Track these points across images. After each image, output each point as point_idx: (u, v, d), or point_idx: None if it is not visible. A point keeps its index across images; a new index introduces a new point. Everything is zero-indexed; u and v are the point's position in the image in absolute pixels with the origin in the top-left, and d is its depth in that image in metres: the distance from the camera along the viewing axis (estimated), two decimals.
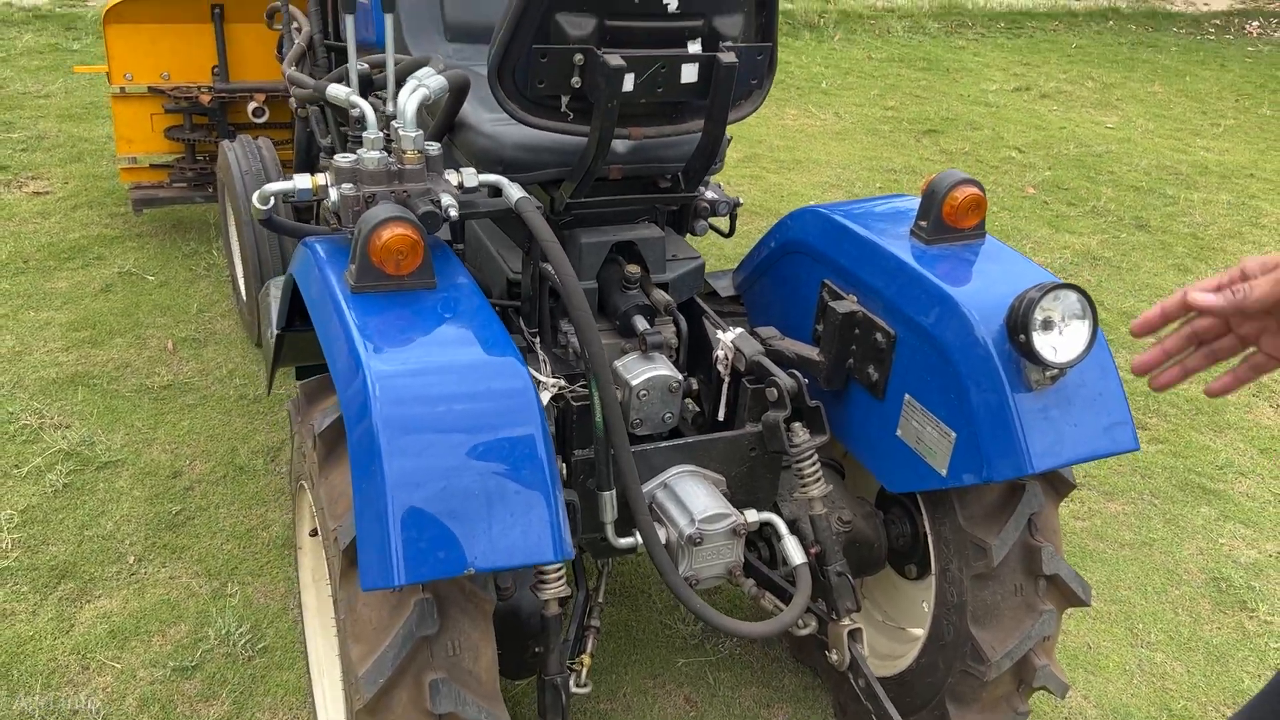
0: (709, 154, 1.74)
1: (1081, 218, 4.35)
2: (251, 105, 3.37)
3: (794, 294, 1.87)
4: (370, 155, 1.48)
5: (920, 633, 1.80)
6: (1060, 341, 1.43)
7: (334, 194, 1.49)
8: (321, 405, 1.51)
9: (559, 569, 1.54)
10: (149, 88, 3.33)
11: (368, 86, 1.82)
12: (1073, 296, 1.42)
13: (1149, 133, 5.55)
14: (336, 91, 1.65)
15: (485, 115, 1.76)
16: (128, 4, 3.22)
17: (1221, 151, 5.33)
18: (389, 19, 1.72)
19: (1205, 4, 8.51)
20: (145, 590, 2.17)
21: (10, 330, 2.97)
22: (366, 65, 1.86)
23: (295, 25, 2.83)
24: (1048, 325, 1.43)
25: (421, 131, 1.51)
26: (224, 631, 2.07)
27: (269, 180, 2.79)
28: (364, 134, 1.49)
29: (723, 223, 2.09)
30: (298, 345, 1.89)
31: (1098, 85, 6.29)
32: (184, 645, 2.04)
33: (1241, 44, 7.60)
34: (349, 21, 1.71)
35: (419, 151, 1.50)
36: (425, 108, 1.56)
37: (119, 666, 1.99)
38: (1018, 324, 1.42)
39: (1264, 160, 5.24)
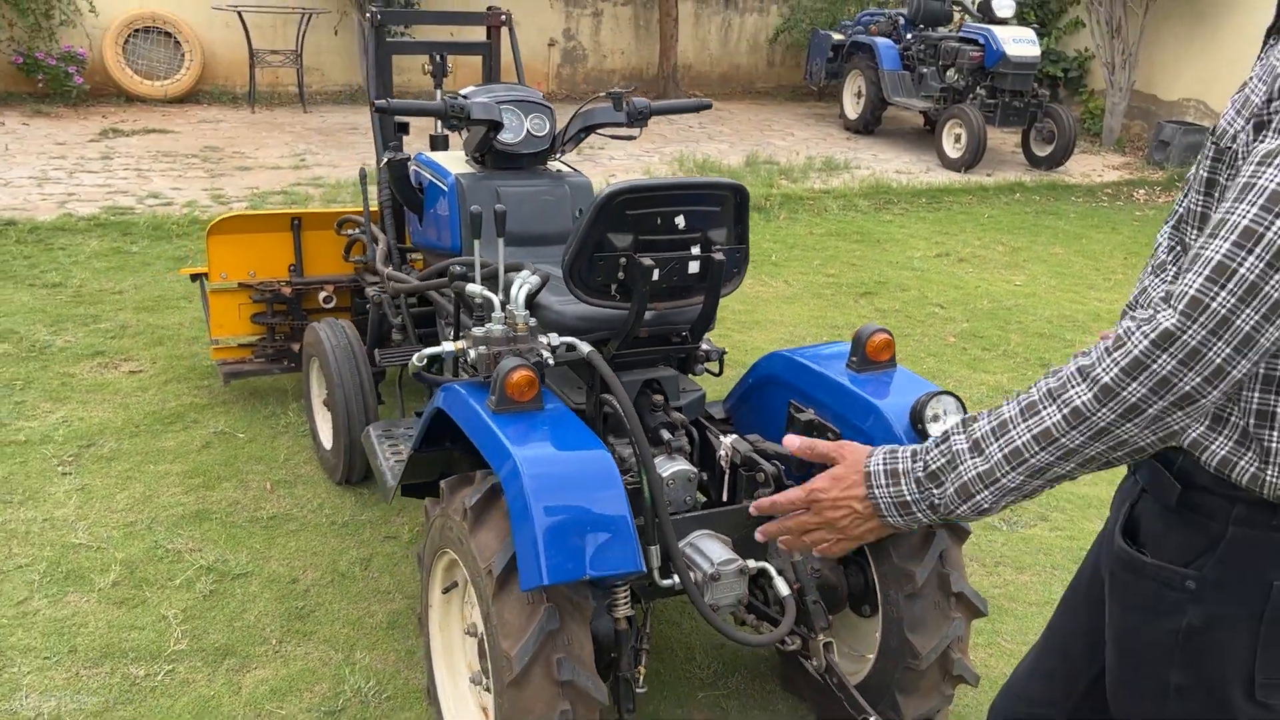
0: (707, 319, 2.58)
1: (994, 359, 5.25)
2: (322, 294, 4.20)
3: (769, 412, 2.67)
4: (496, 327, 2.29)
5: (873, 656, 2.53)
6: (937, 428, 2.23)
7: (473, 353, 2.28)
8: (464, 491, 2.26)
9: (625, 595, 2.27)
10: (239, 284, 4.15)
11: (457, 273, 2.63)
12: (950, 399, 2.23)
13: (1051, 288, 6.53)
14: (473, 289, 2.45)
15: (554, 298, 2.58)
16: (227, 220, 4.07)
17: (1112, 302, 6.32)
18: (500, 242, 2.51)
19: (1099, 175, 9.74)
20: (290, 662, 2.85)
21: (139, 479, 3.68)
22: (461, 267, 2.68)
23: (361, 231, 3.69)
24: (935, 418, 2.23)
25: (528, 310, 2.33)
26: (356, 686, 2.75)
27: (354, 352, 3.59)
28: (491, 314, 2.30)
29: (714, 365, 2.91)
30: (419, 464, 2.66)
31: (1007, 249, 7.32)
32: (328, 697, 2.72)
33: (1130, 209, 8.76)
34: (500, 246, 2.49)
35: (526, 323, 2.31)
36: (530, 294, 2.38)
37: (283, 713, 2.66)
38: (917, 417, 2.22)
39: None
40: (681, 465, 2.47)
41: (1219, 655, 1.38)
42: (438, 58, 3.89)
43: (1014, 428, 1.30)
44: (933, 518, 1.39)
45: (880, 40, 10.63)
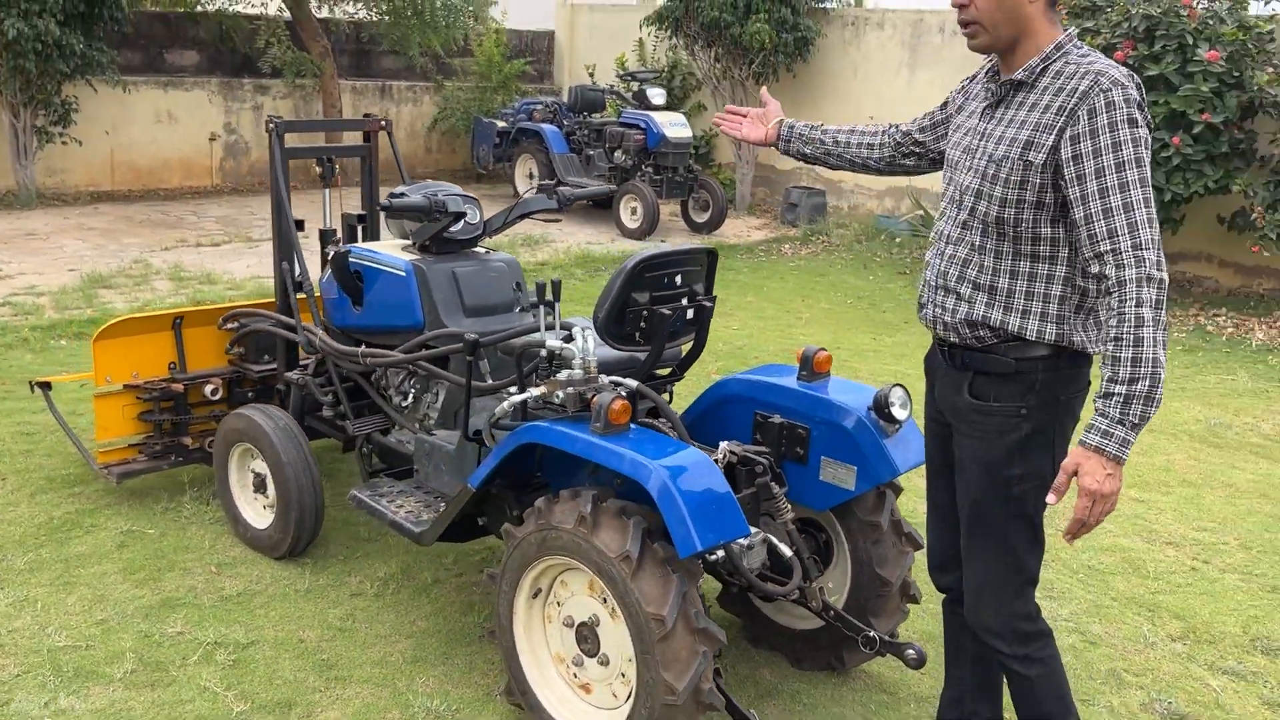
0: (696, 355, 3.29)
1: None
2: (209, 388, 4.38)
3: (731, 424, 3.38)
4: (576, 372, 2.86)
5: (843, 595, 3.32)
6: (900, 410, 3.09)
7: (561, 394, 2.84)
8: (569, 507, 2.79)
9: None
10: (124, 385, 4.24)
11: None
12: (900, 389, 3.10)
13: (761, 330, 7.75)
14: (555, 343, 2.96)
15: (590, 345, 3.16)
16: (113, 326, 4.18)
17: (812, 336, 7.63)
18: (557, 309, 3.06)
19: (749, 235, 11.35)
20: (349, 701, 3.16)
21: (78, 584, 3.72)
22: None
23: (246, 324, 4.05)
24: (896, 403, 3.09)
25: (596, 356, 2.92)
26: (425, 706, 3.13)
27: (294, 431, 3.88)
28: (574, 360, 2.87)
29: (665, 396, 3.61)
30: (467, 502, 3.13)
31: None
32: (406, 718, 3.09)
33: (784, 261, 10.35)
34: (558, 310, 3.03)
35: (595, 367, 2.91)
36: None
37: None
38: (884, 402, 3.07)
39: (841, 339, 7.60)
40: None
41: (1040, 449, 2.42)
42: (326, 160, 4.29)
43: (1136, 347, 2.15)
44: (1138, 434, 2.21)
45: (546, 127, 11.70)
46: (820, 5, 12.09)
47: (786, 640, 3.49)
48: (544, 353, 3.00)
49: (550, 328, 3.00)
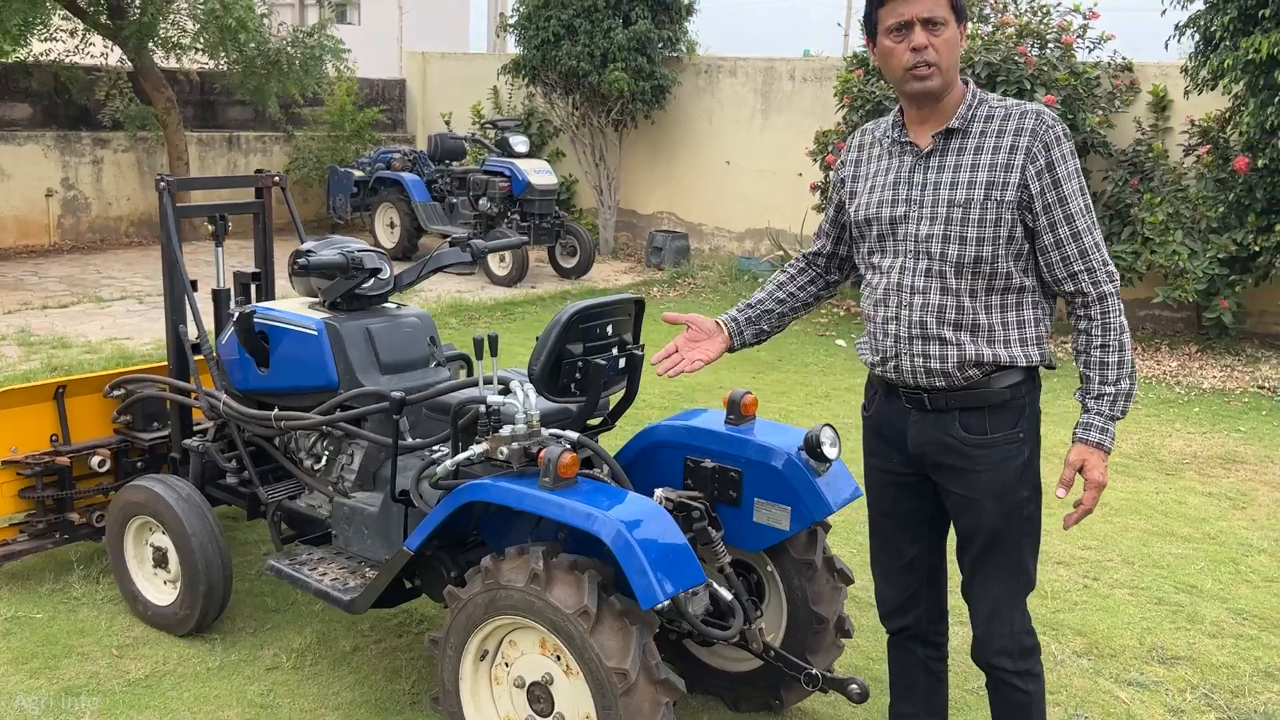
0: (628, 403, 3.30)
1: None
2: (95, 459, 4.14)
3: (661, 469, 3.40)
4: (520, 427, 2.83)
5: (779, 634, 3.37)
6: (830, 449, 3.17)
7: (505, 450, 2.80)
8: (518, 564, 2.75)
9: None
10: (2, 462, 3.97)
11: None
12: (829, 429, 3.18)
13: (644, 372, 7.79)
14: (496, 400, 2.91)
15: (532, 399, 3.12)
16: None
17: (693, 378, 7.73)
18: (495, 361, 3.02)
19: (618, 279, 11.44)
20: None
21: None
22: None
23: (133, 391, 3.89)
24: (826, 442, 3.16)
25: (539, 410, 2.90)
26: None
27: (198, 502, 3.71)
28: (516, 415, 2.84)
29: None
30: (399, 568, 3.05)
31: None
32: None
33: (654, 304, 10.46)
34: (495, 365, 3.00)
35: (538, 420, 2.88)
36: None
37: None
38: (815, 442, 3.13)
39: (721, 378, 7.73)
40: None
41: (1036, 465, 2.64)
42: (219, 218, 4.15)
43: (1121, 351, 2.49)
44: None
45: (407, 175, 11.58)
46: (674, 55, 12.37)
47: (723, 683, 3.51)
48: (483, 409, 2.97)
49: (489, 382, 2.97)
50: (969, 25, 3.03)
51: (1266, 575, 4.67)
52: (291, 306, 3.74)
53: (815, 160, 10.03)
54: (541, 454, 2.76)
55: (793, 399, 7.24)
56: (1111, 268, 2.49)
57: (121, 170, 12.27)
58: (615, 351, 3.21)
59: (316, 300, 3.74)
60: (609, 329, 3.16)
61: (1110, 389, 2.50)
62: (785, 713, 3.47)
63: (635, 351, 3.24)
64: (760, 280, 11.27)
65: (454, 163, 11.95)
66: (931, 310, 2.54)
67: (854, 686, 3.15)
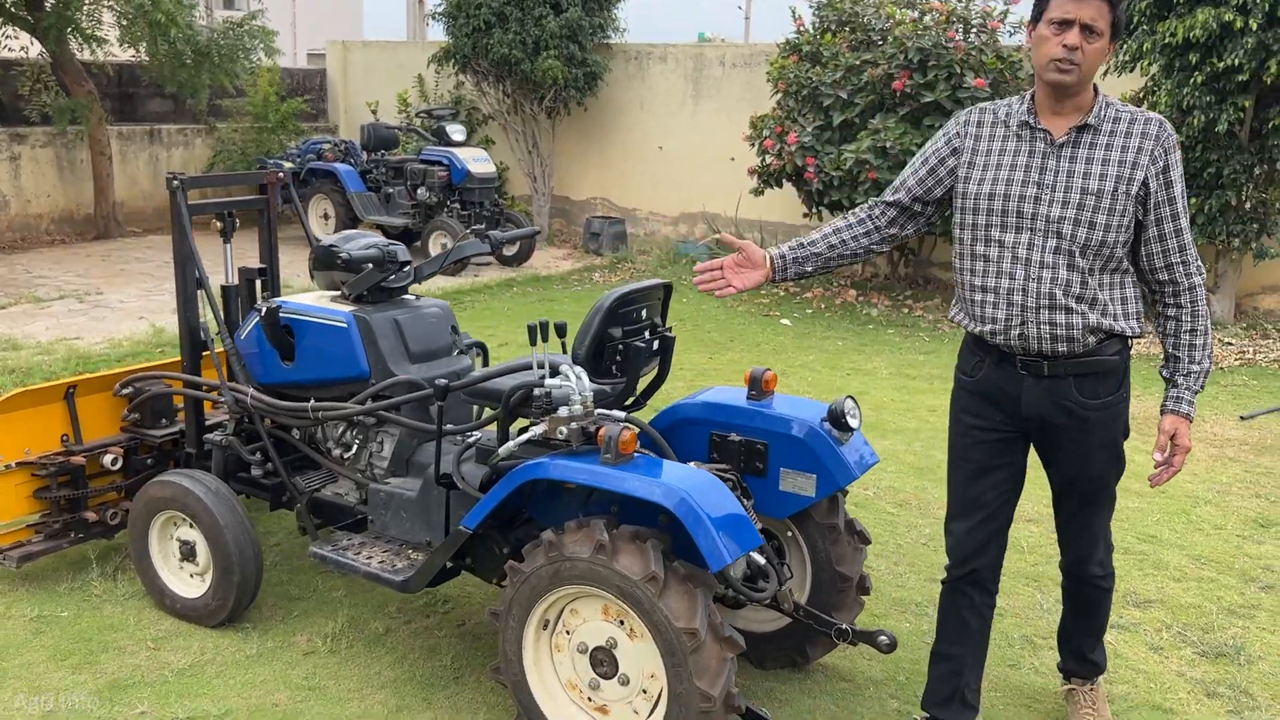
0: (659, 384, 3.48)
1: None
2: (108, 458, 4.16)
3: (691, 445, 3.59)
4: (576, 408, 2.99)
5: (804, 593, 3.59)
6: (853, 420, 3.39)
7: (564, 430, 2.96)
8: (581, 535, 2.91)
9: None
10: (16, 464, 3.98)
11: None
12: (851, 400, 3.40)
13: None
14: (554, 382, 3.04)
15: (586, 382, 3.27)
16: (2, 402, 3.91)
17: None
18: (578, 370, 3.16)
19: (559, 265, 11.56)
20: None
21: (13, 676, 3.46)
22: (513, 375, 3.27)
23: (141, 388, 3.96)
24: (849, 414, 3.38)
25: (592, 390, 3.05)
26: None
27: (227, 494, 3.78)
28: (572, 397, 2.99)
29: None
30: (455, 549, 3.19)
31: None
32: None
33: (599, 289, 10.62)
34: (545, 349, 3.13)
35: (592, 401, 3.04)
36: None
37: None
38: (839, 413, 3.35)
39: (680, 360, 7.93)
40: None
41: (1127, 418, 3.04)
42: (227, 214, 4.19)
43: (1206, 335, 2.93)
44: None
45: (340, 166, 11.50)
46: (605, 41, 12.50)
47: (750, 643, 3.71)
48: (539, 391, 3.11)
49: (542, 366, 3.12)
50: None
51: (1215, 523, 5.07)
52: (315, 300, 3.82)
53: (752, 145, 10.28)
54: (601, 432, 2.92)
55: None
56: (1200, 263, 2.89)
57: (40, 166, 11.93)
58: (649, 334, 3.39)
59: (338, 294, 3.83)
60: (643, 313, 3.34)
61: (1197, 367, 2.92)
62: (808, 670, 3.69)
63: (666, 334, 3.42)
64: (698, 263, 11.50)
65: (387, 152, 11.91)
66: (1060, 284, 2.84)
67: (883, 638, 3.39)
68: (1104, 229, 2.80)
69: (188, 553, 3.87)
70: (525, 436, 3.05)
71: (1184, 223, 2.84)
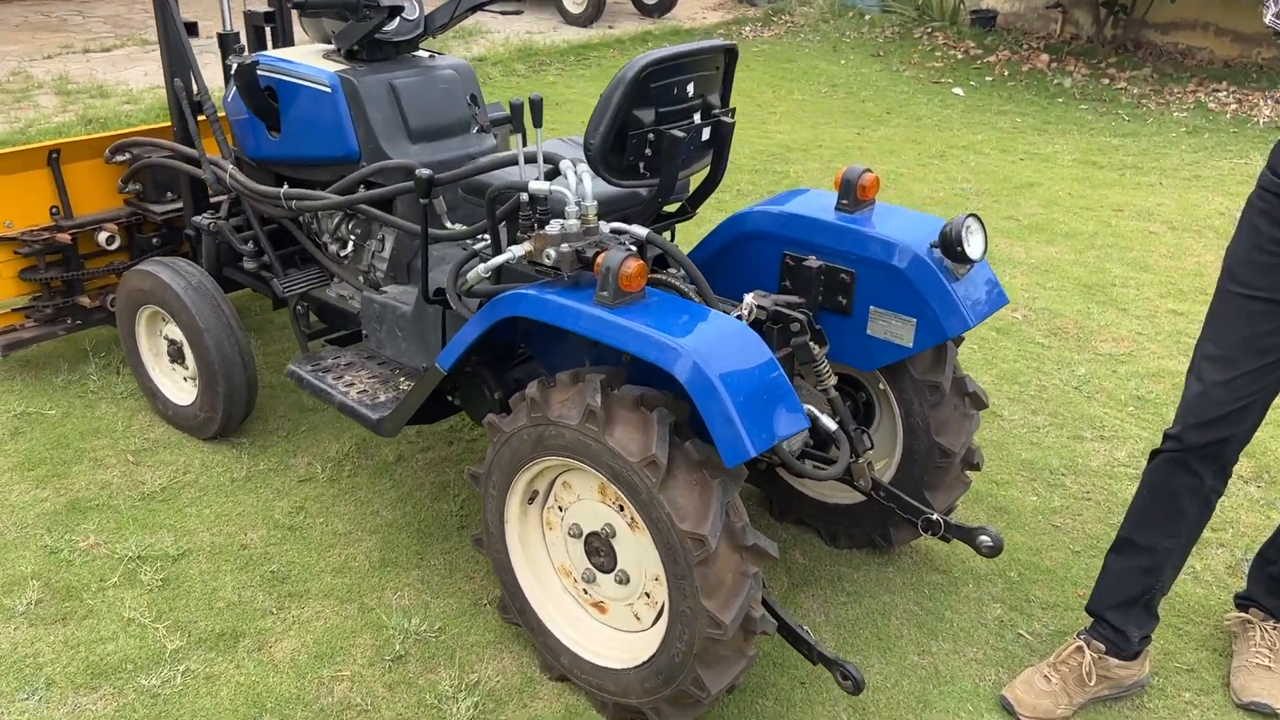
0: (712, 186, 2.61)
1: (733, 200, 5.61)
2: (103, 235, 3.62)
3: (751, 267, 2.76)
4: (572, 222, 2.18)
5: (891, 466, 2.79)
6: (975, 248, 2.47)
7: (553, 253, 2.16)
8: (571, 395, 2.18)
9: None
10: None
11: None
12: (975, 220, 2.47)
13: (803, 125, 6.96)
14: (540, 186, 2.27)
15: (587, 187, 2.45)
16: None
17: (789, 133, 6.90)
18: (539, 133, 2.34)
19: (705, 19, 10.36)
20: (308, 625, 2.61)
21: None
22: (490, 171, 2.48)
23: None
24: (971, 235, 2.46)
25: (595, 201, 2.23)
26: (402, 627, 2.58)
27: (211, 290, 3.18)
28: (566, 208, 2.19)
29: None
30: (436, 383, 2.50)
31: None
32: (380, 645, 2.54)
33: (746, 46, 9.44)
34: (539, 136, 2.32)
35: (594, 215, 2.22)
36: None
37: (347, 674, 2.46)
38: (955, 238, 2.44)
39: (821, 134, 6.87)
40: None
41: None
42: None
43: None
44: None
45: None
46: None
47: (820, 515, 2.98)
48: (525, 198, 2.31)
49: (531, 162, 2.30)
50: None
51: None
52: (302, 56, 3.05)
53: None
54: (599, 259, 2.11)
55: (902, 159, 6.39)
56: None
57: None
58: (698, 118, 2.49)
59: (332, 48, 3.05)
60: (689, 88, 2.43)
61: None
62: (892, 554, 2.94)
63: (724, 119, 2.51)
64: (868, 17, 10.08)
65: None
66: None
67: (984, 538, 2.59)
68: None
69: (176, 353, 3.34)
70: (498, 259, 2.26)
71: None
